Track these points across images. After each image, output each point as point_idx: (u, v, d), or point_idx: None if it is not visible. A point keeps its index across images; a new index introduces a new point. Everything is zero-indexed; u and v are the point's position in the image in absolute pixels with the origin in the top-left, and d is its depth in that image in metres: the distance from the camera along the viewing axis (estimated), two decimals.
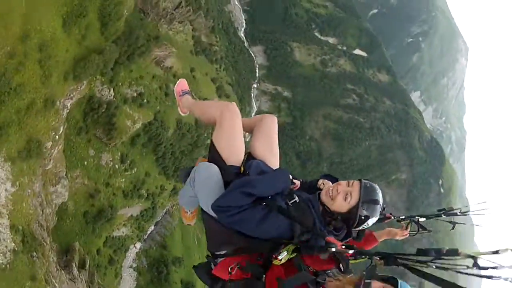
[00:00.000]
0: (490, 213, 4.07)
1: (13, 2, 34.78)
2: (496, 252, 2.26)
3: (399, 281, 2.79)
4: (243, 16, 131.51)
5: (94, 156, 52.41)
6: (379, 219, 3.61)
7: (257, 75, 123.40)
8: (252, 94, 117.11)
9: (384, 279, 2.78)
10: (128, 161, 57.69)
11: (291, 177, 3.90)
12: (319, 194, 3.68)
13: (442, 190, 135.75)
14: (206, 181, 3.77)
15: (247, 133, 4.46)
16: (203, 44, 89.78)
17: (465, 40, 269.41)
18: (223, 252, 3.69)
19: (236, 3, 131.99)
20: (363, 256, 2.90)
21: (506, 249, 2.23)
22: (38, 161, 40.05)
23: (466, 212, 4.47)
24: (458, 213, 4.48)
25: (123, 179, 57.60)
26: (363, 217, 3.39)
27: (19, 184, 37.23)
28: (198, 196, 3.89)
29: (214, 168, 3.82)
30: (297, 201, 3.52)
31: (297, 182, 4.04)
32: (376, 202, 3.41)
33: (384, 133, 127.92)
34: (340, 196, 3.44)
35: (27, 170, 38.56)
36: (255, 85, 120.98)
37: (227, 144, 3.92)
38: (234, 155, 3.90)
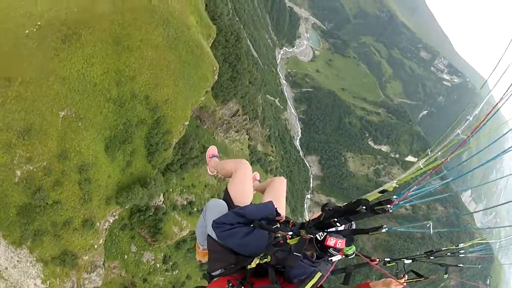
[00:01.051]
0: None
1: (49, 117, 35.23)
2: (383, 192, 2.58)
3: None
4: (298, 124, 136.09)
5: (136, 252, 52.22)
6: (365, 263, 3.91)
7: (311, 185, 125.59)
8: (305, 205, 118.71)
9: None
10: (170, 263, 57.27)
11: (277, 210, 4.15)
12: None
13: None
14: (213, 209, 4.42)
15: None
16: (259, 154, 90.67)
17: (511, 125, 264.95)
18: (218, 272, 4.05)
19: (293, 111, 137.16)
20: (294, 236, 3.30)
21: (392, 186, 2.52)
22: (72, 269, 39.17)
23: (455, 252, 4.70)
24: (449, 254, 4.66)
25: (162, 278, 56.81)
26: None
27: (49, 283, 36.78)
28: (206, 224, 4.43)
29: (222, 201, 4.55)
30: (278, 226, 3.72)
31: (282, 215, 4.20)
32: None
33: (435, 241, 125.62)
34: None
35: (59, 273, 37.87)
36: (308, 196, 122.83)
37: (238, 189, 4.60)
38: (242, 198, 4.50)
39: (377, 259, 4.30)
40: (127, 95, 41.06)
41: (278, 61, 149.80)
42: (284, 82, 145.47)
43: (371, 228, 3.01)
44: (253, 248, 3.66)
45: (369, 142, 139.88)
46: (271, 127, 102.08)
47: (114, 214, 43.33)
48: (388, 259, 4.55)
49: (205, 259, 4.89)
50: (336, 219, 2.89)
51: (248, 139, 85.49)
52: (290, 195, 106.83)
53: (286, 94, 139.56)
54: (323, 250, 3.29)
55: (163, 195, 52.32)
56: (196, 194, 59.23)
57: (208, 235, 4.26)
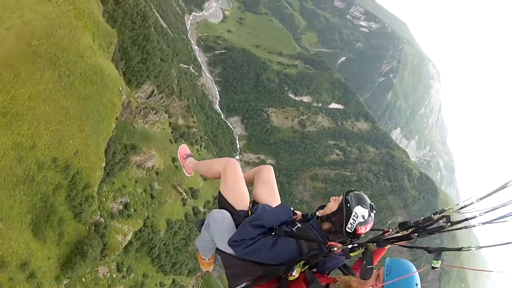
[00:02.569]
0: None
1: None
2: (464, 207, 2.83)
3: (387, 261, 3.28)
4: (216, 88, 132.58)
5: (91, 272, 50.80)
6: (379, 235, 3.87)
7: (238, 146, 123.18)
8: None
9: None
10: (124, 269, 56.67)
11: (292, 209, 4.44)
12: (316, 217, 4.32)
13: None
14: (220, 223, 4.29)
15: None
16: (181, 129, 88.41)
17: (435, 64, 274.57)
18: (243, 285, 4.02)
19: (208, 75, 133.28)
20: (359, 248, 3.46)
21: (471, 202, 2.77)
22: None
23: (459, 209, 4.26)
24: (451, 212, 4.33)
25: (122, 286, 56.35)
26: (349, 205, 3.93)
27: None
28: (214, 238, 4.42)
29: (226, 212, 4.40)
30: (299, 226, 4.10)
31: (299, 213, 4.49)
32: (358, 193, 4.08)
33: (373, 181, 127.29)
34: (332, 201, 4.26)
35: None
36: (237, 157, 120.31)
37: (233, 192, 4.53)
38: (241, 201, 4.50)
39: (390, 229, 4.18)
40: (33, 168, 37.25)
41: (188, 27, 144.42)
42: (196, 47, 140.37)
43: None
44: (284, 257, 3.79)
45: (290, 95, 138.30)
46: (188, 97, 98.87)
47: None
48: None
49: (211, 268, 5.28)
50: (416, 233, 3.12)
51: (168, 116, 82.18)
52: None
53: (199, 59, 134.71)
54: (354, 238, 3.84)
55: (98, 208, 50.17)
56: (129, 194, 58.71)
57: (221, 250, 4.28)
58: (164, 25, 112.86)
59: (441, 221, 2.91)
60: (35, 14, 38.03)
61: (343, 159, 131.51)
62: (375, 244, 3.26)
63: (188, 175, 5.99)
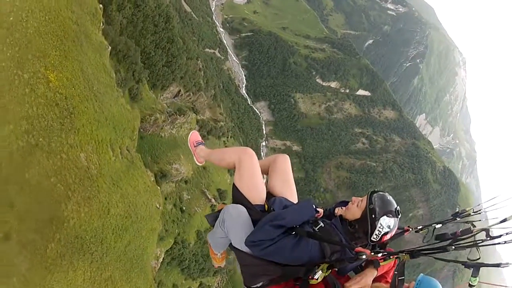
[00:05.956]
0: (502, 206, 3.77)
1: None
2: (504, 221, 2.82)
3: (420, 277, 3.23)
4: (242, 71, 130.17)
5: None
6: (399, 233, 3.94)
7: (264, 132, 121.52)
8: (262, 153, 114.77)
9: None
10: (155, 284, 55.36)
11: (314, 206, 4.09)
12: (339, 216, 4.05)
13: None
14: (236, 220, 4.01)
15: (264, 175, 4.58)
16: (208, 125, 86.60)
17: (461, 51, 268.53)
18: (259, 285, 3.87)
19: (235, 59, 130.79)
20: (391, 257, 3.30)
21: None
22: None
23: (479, 210, 4.36)
24: (472, 213, 4.33)
25: None
26: (374, 216, 3.67)
27: None
28: (229, 235, 4.14)
29: (242, 208, 4.09)
30: (322, 226, 3.85)
31: (321, 211, 4.28)
32: (383, 197, 3.75)
33: (397, 173, 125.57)
34: (354, 205, 3.92)
35: None
36: (263, 143, 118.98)
37: (249, 185, 4.21)
38: (257, 195, 4.20)
39: (410, 228, 4.29)
40: None
41: (213, 9, 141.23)
42: (222, 30, 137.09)
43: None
44: (305, 259, 3.66)
45: (317, 80, 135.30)
46: (215, 85, 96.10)
47: None
48: (420, 227, 4.38)
49: (223, 264, 5.13)
50: (453, 246, 2.98)
51: (195, 112, 78.93)
52: (245, 146, 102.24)
53: (225, 42, 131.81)
54: (380, 243, 3.75)
55: None
56: (161, 214, 54.44)
57: (236, 248, 4.13)
58: (189, 9, 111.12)
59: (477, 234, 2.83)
60: None
61: (368, 148, 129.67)
62: (408, 255, 3.08)
63: (199, 164, 5.74)
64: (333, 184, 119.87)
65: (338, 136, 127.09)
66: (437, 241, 3.25)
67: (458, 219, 4.61)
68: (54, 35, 26.90)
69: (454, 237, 3.04)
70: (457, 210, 4.68)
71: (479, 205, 4.55)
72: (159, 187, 43.36)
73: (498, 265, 2.78)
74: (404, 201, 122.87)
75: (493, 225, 2.82)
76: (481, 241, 2.75)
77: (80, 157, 26.93)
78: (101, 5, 36.72)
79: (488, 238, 2.79)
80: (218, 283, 73.46)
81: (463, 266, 2.88)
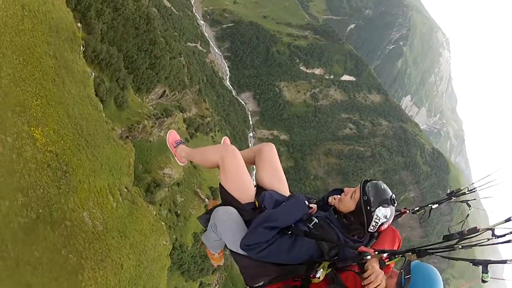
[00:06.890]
0: (496, 183, 3.85)
1: None
2: (509, 220, 2.85)
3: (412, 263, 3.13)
4: (225, 63, 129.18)
5: None
6: (396, 216, 3.85)
7: (250, 123, 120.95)
8: (250, 144, 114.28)
9: None
10: None
11: (306, 202, 3.95)
12: (333, 208, 3.89)
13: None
14: (227, 224, 3.92)
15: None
16: (196, 122, 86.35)
17: (444, 32, 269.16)
18: (260, 284, 3.80)
19: (217, 51, 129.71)
20: (397, 256, 3.25)
21: None
22: None
23: (473, 189, 4.39)
24: (467, 192, 4.35)
25: None
26: (369, 208, 3.53)
27: None
28: (223, 239, 4.07)
29: (232, 210, 3.97)
30: (317, 222, 3.71)
31: (314, 206, 4.06)
32: (376, 186, 3.60)
33: (386, 157, 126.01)
34: (347, 197, 3.76)
35: None
36: (250, 134, 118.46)
37: (236, 184, 4.06)
38: (246, 193, 4.06)
39: (407, 210, 4.29)
40: None
41: (193, 2, 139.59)
42: (202, 22, 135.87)
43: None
44: (303, 257, 3.61)
45: (301, 68, 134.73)
46: (199, 80, 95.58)
47: None
48: (417, 208, 4.46)
49: (222, 262, 5.03)
50: (461, 245, 2.99)
51: (181, 111, 79.13)
52: (233, 138, 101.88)
53: (206, 35, 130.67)
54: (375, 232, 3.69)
55: None
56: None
57: (232, 251, 4.02)
58: (168, 4, 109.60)
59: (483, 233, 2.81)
60: None
61: (356, 133, 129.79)
62: (414, 254, 3.06)
63: (181, 164, 5.44)
64: (323, 171, 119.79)
65: (325, 123, 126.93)
66: (444, 241, 3.10)
67: (453, 198, 4.56)
68: (32, 79, 24.33)
69: (461, 236, 2.93)
70: (451, 190, 4.64)
71: (473, 183, 4.48)
72: (163, 223, 42.84)
73: (505, 262, 2.71)
74: (394, 184, 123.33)
75: (497, 224, 2.81)
76: (486, 239, 2.77)
77: (84, 217, 25.53)
78: (79, 24, 35.36)
79: (494, 238, 2.79)
80: (217, 280, 73.36)
81: (471, 264, 2.81)
